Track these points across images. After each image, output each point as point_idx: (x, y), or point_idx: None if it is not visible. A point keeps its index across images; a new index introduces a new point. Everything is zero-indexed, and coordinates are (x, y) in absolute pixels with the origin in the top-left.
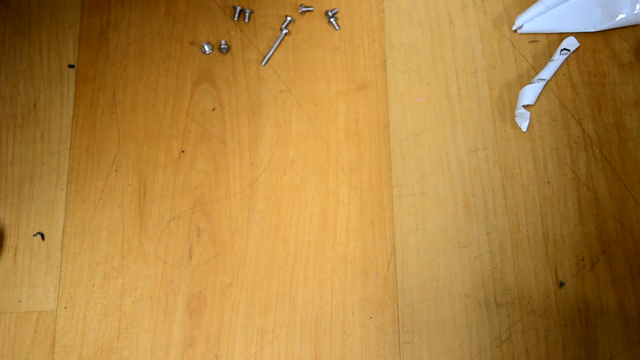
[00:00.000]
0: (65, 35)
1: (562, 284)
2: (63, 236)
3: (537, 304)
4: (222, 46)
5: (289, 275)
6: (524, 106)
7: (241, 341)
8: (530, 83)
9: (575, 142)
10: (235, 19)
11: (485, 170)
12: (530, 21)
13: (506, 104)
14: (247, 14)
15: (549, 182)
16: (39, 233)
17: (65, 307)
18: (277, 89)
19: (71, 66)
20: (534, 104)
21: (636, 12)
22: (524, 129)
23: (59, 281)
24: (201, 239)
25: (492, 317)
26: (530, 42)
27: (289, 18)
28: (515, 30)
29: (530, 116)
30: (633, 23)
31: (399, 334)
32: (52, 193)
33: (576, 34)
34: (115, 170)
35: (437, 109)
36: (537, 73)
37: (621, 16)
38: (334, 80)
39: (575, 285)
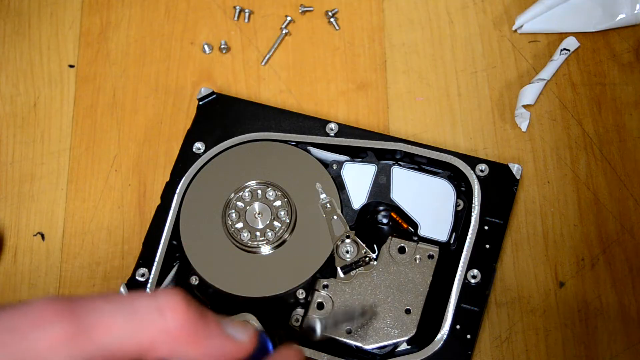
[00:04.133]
0: (65, 35)
1: (562, 284)
2: (63, 236)
3: (537, 304)
4: (222, 46)
5: None
6: (524, 106)
7: None
8: (530, 83)
9: (575, 142)
10: (235, 19)
11: None
12: (530, 21)
13: (506, 104)
14: (247, 14)
15: (549, 182)
16: (39, 233)
17: None
18: (277, 89)
19: (71, 66)
20: (534, 104)
21: (636, 12)
22: (523, 129)
23: (59, 281)
24: None
25: (492, 317)
26: (530, 42)
27: (289, 18)
28: (515, 30)
29: (530, 116)
30: (633, 23)
31: None
32: (52, 193)
33: (576, 34)
34: (115, 170)
35: (437, 109)
36: (537, 73)
37: (621, 16)
38: (334, 80)
39: (575, 285)
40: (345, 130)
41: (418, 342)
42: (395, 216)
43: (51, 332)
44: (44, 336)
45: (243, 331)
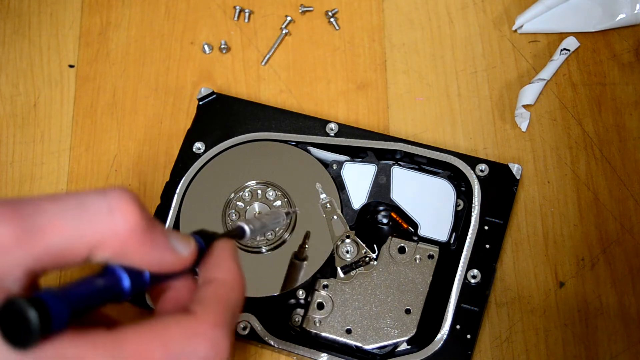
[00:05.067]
0: (65, 35)
1: (562, 284)
2: None
3: (537, 304)
4: (222, 46)
5: None
6: (524, 106)
7: None
8: (530, 83)
9: (575, 142)
10: (235, 19)
11: None
12: (530, 21)
13: (506, 104)
14: (247, 14)
15: (549, 182)
16: None
17: None
18: (277, 89)
19: (71, 66)
20: (534, 104)
21: (636, 12)
22: (523, 129)
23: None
24: None
25: (492, 317)
26: (530, 42)
27: (289, 18)
28: (515, 30)
29: (530, 116)
30: (633, 23)
31: None
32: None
33: (576, 34)
34: (115, 170)
35: (437, 109)
36: (537, 73)
37: (621, 16)
38: (334, 80)
39: (575, 285)
40: (345, 130)
41: (418, 342)
42: (395, 216)
43: None
44: None
45: (186, 246)
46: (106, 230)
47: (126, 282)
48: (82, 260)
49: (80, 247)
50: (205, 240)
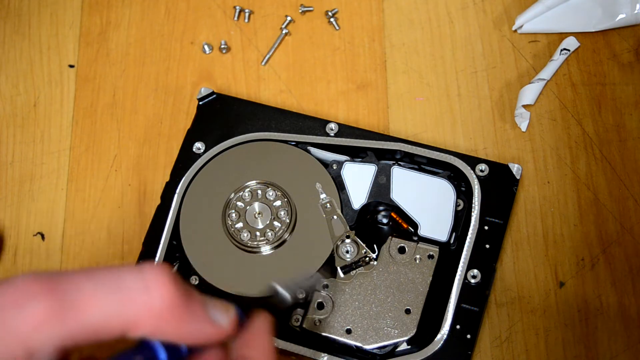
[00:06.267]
0: (65, 35)
1: (562, 284)
2: (63, 236)
3: (537, 304)
4: (222, 46)
5: None
6: (524, 106)
7: None
8: (530, 83)
9: (575, 142)
10: (235, 19)
11: None
12: (530, 21)
13: (506, 104)
14: (247, 14)
15: (549, 182)
16: (39, 233)
17: None
18: (277, 89)
19: (71, 66)
20: (534, 104)
21: (636, 12)
22: (523, 129)
23: None
24: None
25: (492, 317)
26: (530, 42)
27: (289, 18)
28: (515, 30)
29: (530, 116)
30: (633, 23)
31: None
32: (52, 193)
33: (576, 34)
34: (115, 170)
35: (437, 109)
36: (537, 73)
37: (621, 16)
38: (334, 80)
39: (575, 285)
40: (345, 130)
41: (418, 342)
42: (395, 216)
43: (34, 310)
44: (26, 315)
45: (225, 315)
46: (143, 308)
47: (163, 357)
48: (117, 337)
49: (115, 324)
50: (243, 309)
